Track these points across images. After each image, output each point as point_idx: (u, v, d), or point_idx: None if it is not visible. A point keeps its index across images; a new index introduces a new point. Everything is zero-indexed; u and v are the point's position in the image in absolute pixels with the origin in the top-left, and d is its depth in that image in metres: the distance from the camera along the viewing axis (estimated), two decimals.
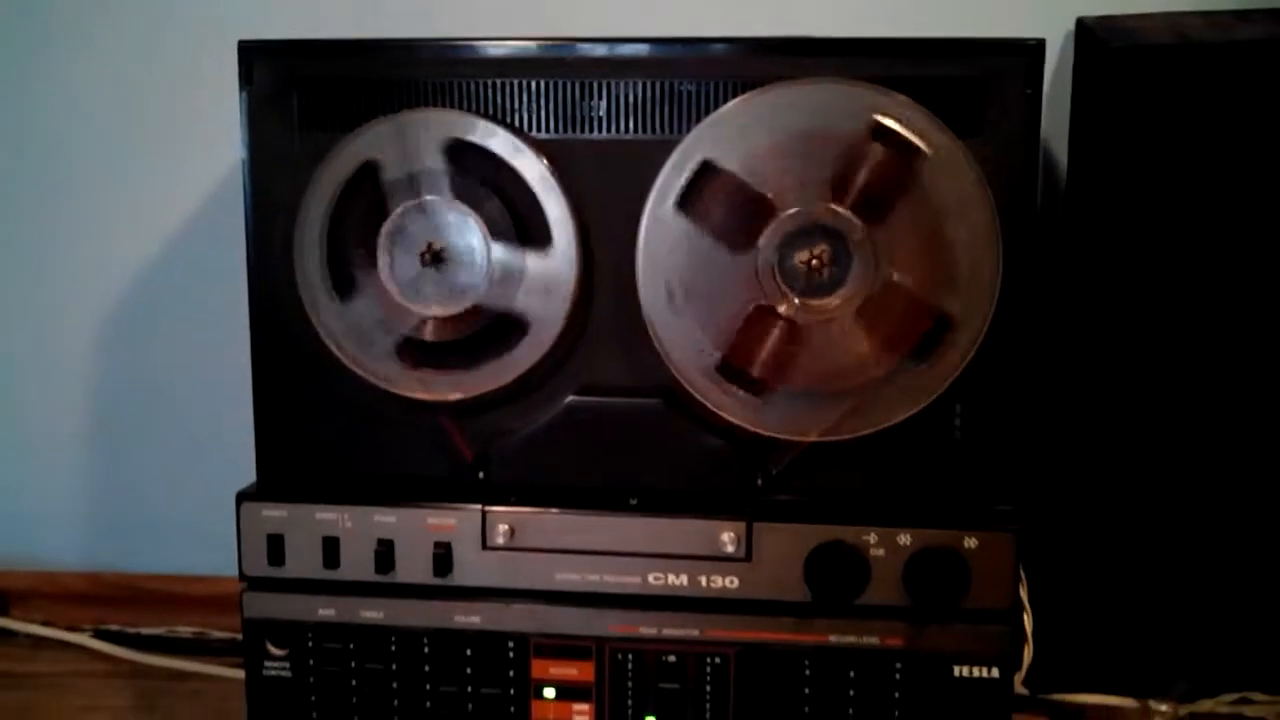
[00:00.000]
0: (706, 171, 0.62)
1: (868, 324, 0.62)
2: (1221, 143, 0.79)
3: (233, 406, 0.95)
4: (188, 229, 1.02)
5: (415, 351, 0.66)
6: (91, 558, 1.08)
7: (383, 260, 0.65)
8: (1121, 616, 0.87)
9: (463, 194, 0.64)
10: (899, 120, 0.61)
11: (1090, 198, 0.80)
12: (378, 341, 0.66)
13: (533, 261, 0.64)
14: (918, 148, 0.61)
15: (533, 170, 0.64)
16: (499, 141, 0.64)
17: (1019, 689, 0.84)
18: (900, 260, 0.62)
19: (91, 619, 1.03)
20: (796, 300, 0.62)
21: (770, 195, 0.62)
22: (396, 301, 0.65)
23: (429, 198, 0.64)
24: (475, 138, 0.64)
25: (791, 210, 0.62)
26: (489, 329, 0.65)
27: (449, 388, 0.66)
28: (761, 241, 0.62)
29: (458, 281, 0.65)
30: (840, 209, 0.61)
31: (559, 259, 0.64)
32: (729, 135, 0.62)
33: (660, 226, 0.63)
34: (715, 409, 0.64)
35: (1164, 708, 0.85)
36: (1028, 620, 0.76)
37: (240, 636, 0.92)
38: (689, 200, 0.63)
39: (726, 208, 0.63)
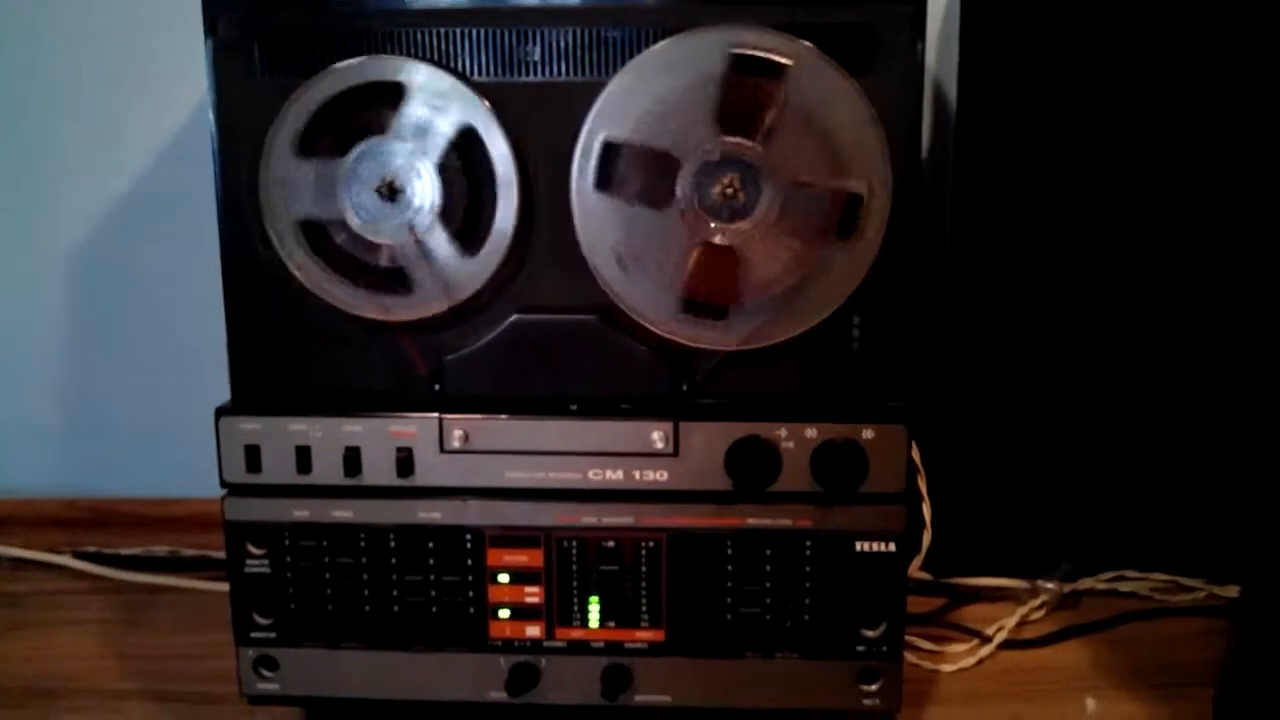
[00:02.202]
0: (610, 150, 0.69)
1: (790, 228, 0.69)
2: (1097, 76, 0.87)
3: (201, 334, 1.00)
4: (160, 157, 1.06)
5: (374, 278, 0.72)
6: (66, 484, 1.13)
7: (343, 196, 0.70)
8: (1011, 506, 0.96)
9: (412, 133, 0.70)
10: (753, 46, 0.67)
11: (977, 130, 0.88)
12: (341, 270, 0.72)
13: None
14: (778, 62, 0.67)
15: (475, 111, 0.70)
16: (442, 84, 0.70)
17: (920, 574, 0.93)
18: (801, 163, 0.68)
19: (68, 542, 1.08)
20: (724, 228, 0.69)
21: (670, 149, 0.68)
22: (358, 234, 0.71)
23: (382, 137, 0.70)
24: (420, 81, 0.70)
25: (692, 156, 0.68)
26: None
27: (406, 309, 0.72)
28: (678, 191, 0.69)
29: (411, 213, 0.70)
30: (733, 139, 0.68)
31: (501, 187, 0.70)
32: (618, 110, 0.68)
33: (589, 200, 0.70)
34: (644, 324, 0.71)
35: (1050, 586, 0.94)
36: (927, 509, 0.84)
37: (212, 553, 0.99)
38: (605, 179, 0.69)
39: (639, 174, 0.69)
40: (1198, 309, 0.91)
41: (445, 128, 0.70)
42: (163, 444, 1.11)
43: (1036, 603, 0.93)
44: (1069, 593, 0.95)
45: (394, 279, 0.72)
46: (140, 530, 1.10)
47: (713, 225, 0.69)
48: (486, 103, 0.70)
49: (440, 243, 0.71)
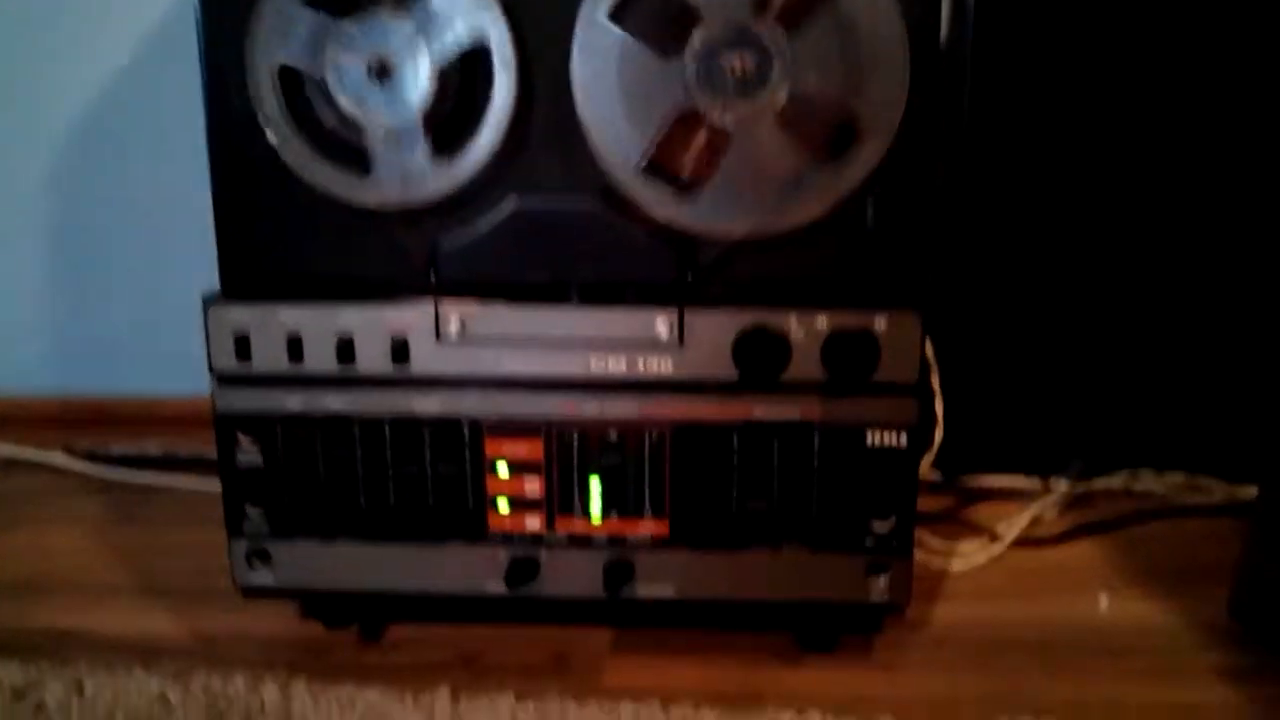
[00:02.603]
0: None
1: (785, 128, 0.66)
2: None
3: (193, 230, 0.98)
4: (142, 50, 1.03)
5: (366, 162, 0.68)
6: (61, 383, 1.12)
7: (331, 76, 0.67)
8: (1024, 403, 0.94)
9: (402, 8, 0.66)
10: None
11: (996, 11, 0.84)
12: (330, 154, 0.69)
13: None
14: None
15: (486, 13, 0.66)
16: None
17: (931, 473, 0.91)
18: (816, 68, 0.65)
19: (62, 441, 1.07)
20: (721, 105, 0.65)
21: (697, 4, 0.65)
22: (348, 115, 0.67)
23: (370, 13, 0.66)
24: None
25: (716, 18, 0.64)
26: (448, 123, 0.68)
27: (399, 195, 0.69)
28: (688, 49, 0.65)
29: (404, 91, 0.67)
30: (762, 18, 0.64)
31: (499, 63, 0.67)
32: None
33: (594, 33, 0.66)
34: (647, 208, 0.68)
35: (1063, 485, 0.93)
36: (939, 405, 0.82)
37: (206, 452, 0.97)
38: (622, 9, 0.65)
39: (657, 17, 0.65)
40: (1222, 200, 0.88)
41: (458, 25, 0.66)
42: (158, 341, 1.09)
43: (1049, 501, 0.91)
44: (1082, 492, 0.93)
45: (365, 159, 0.68)
46: (135, 428, 1.09)
47: (710, 97, 0.65)
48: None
49: (415, 144, 0.68)
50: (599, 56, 0.66)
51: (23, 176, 1.08)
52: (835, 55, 0.65)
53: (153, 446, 1.06)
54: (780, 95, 0.65)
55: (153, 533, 0.94)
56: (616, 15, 0.66)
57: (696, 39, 0.65)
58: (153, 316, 1.09)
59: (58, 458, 1.05)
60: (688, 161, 0.67)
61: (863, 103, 0.66)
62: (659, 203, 0.68)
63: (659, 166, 0.67)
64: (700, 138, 0.67)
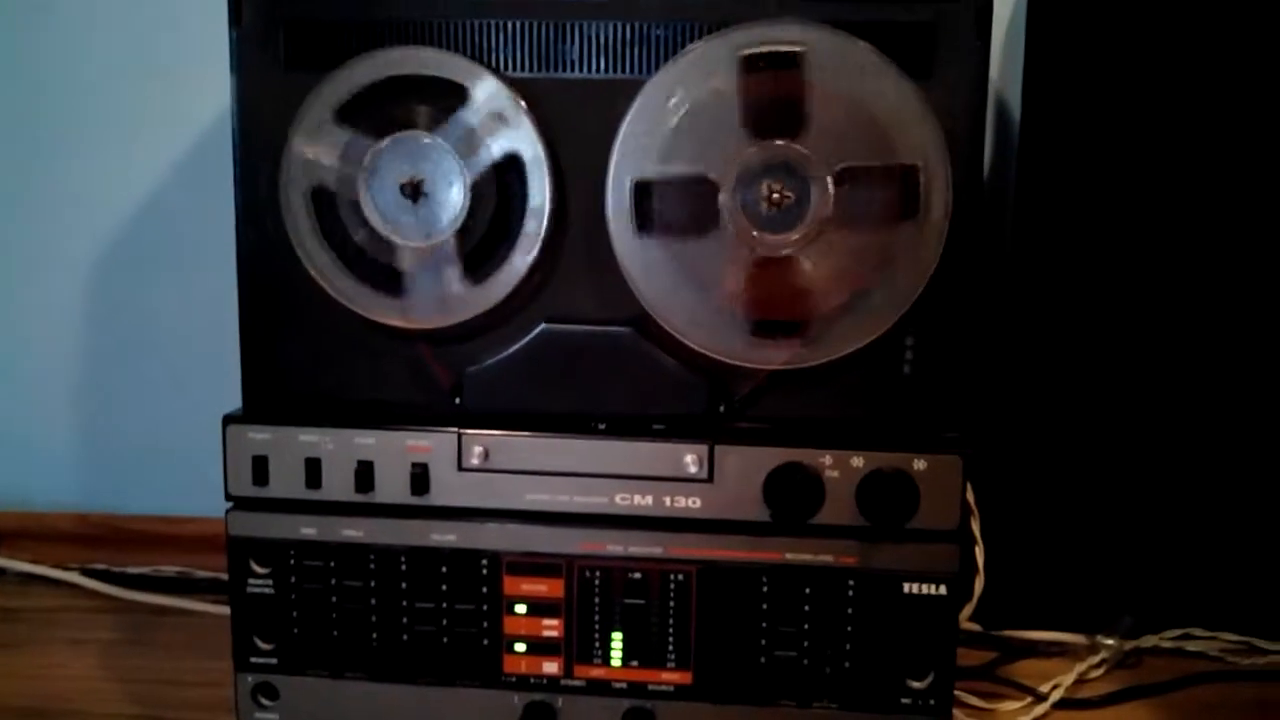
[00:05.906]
0: (641, 190, 0.65)
1: (849, 221, 0.64)
2: (1170, 84, 0.81)
3: (218, 351, 0.98)
4: (174, 169, 1.04)
5: (397, 282, 0.68)
6: (80, 499, 1.10)
7: (364, 195, 0.67)
8: (1070, 554, 0.90)
9: (439, 130, 0.66)
10: (760, 42, 0.63)
11: (1042, 147, 0.83)
12: (361, 273, 0.68)
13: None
14: (793, 53, 0.63)
15: (507, 106, 0.66)
16: (475, 78, 0.66)
17: (971, 624, 0.87)
18: (848, 152, 0.64)
19: (79, 558, 1.05)
20: (780, 239, 0.64)
21: (705, 171, 0.64)
22: (380, 234, 0.67)
23: (407, 133, 0.66)
24: (451, 75, 0.66)
25: (729, 171, 0.64)
26: (480, 246, 0.67)
27: (428, 316, 0.68)
28: (722, 211, 0.64)
29: (437, 212, 0.67)
30: (766, 142, 0.64)
31: (534, 188, 0.67)
32: (639, 147, 0.65)
33: (631, 248, 0.66)
34: (683, 339, 0.67)
35: (1110, 642, 0.88)
36: (979, 553, 0.78)
37: (223, 575, 0.95)
38: (644, 221, 0.65)
39: (678, 206, 0.65)
40: None
41: (494, 149, 0.66)
42: (181, 461, 1.08)
43: (1095, 660, 0.86)
44: (1131, 650, 0.88)
45: (395, 279, 0.68)
46: (153, 548, 1.07)
47: (767, 238, 0.65)
48: (520, 98, 0.66)
49: (447, 266, 0.67)
50: (642, 257, 0.66)
51: (49, 292, 1.08)
52: (857, 134, 0.64)
53: (169, 568, 1.04)
54: (828, 201, 0.64)
55: (162, 658, 0.90)
56: (642, 227, 0.66)
57: (724, 198, 0.64)
58: (178, 435, 1.08)
59: (74, 576, 1.03)
60: (745, 301, 0.66)
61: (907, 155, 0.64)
62: (696, 334, 0.67)
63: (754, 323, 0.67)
64: (768, 276, 0.65)
